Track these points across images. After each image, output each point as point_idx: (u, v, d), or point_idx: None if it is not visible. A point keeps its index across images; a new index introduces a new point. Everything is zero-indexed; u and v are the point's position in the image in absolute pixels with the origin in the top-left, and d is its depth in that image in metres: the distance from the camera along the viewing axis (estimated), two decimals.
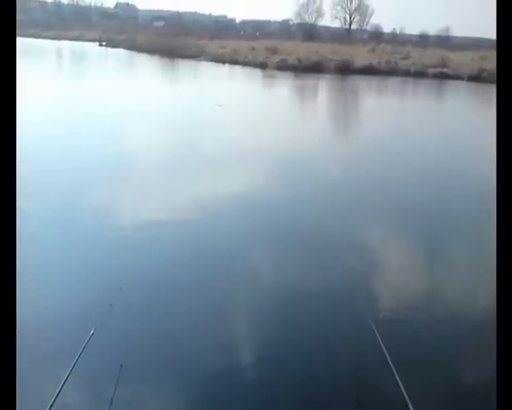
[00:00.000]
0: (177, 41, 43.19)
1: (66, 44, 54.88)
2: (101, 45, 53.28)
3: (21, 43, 52.60)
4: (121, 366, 3.80)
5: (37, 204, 7.16)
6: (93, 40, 57.67)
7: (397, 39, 60.33)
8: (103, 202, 7.56)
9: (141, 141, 12.00)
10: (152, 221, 6.88)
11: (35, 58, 37.44)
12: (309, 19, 70.44)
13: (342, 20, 71.37)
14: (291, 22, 77.96)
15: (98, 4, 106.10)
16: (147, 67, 35.29)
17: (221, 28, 75.44)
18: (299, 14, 71.44)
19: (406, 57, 37.90)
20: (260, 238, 6.63)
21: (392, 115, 19.02)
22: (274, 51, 37.59)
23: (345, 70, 33.12)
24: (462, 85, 30.72)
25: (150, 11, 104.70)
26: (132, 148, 11.25)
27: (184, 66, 35.60)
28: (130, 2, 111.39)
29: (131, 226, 6.69)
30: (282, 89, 26.32)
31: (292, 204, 8.04)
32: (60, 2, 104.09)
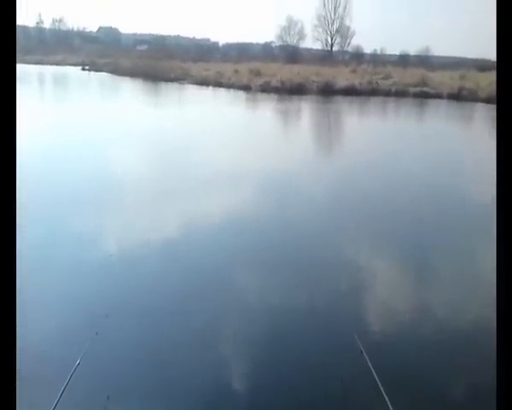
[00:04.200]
0: (160, 64, 43.41)
1: (48, 69, 54.79)
2: (83, 69, 53.30)
3: None
4: (108, 397, 3.73)
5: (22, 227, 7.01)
6: (76, 64, 57.78)
7: (378, 60, 61.39)
8: (88, 228, 7.50)
9: (125, 165, 11.91)
10: (137, 245, 6.85)
11: (17, 83, 37.24)
12: (291, 41, 71.48)
13: (324, 42, 72.47)
14: (273, 45, 79.01)
15: (80, 28, 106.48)
16: (130, 90, 35.31)
17: (204, 51, 76.12)
18: (280, 37, 72.46)
19: (387, 77, 38.52)
20: (247, 259, 6.68)
21: (375, 135, 19.22)
22: (257, 74, 37.93)
23: (327, 91, 33.51)
24: (442, 104, 31.26)
25: (133, 35, 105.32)
26: (117, 172, 11.17)
27: (168, 89, 35.70)
28: (112, 26, 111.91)
29: (117, 251, 6.66)
30: (266, 111, 26.49)
31: (278, 224, 8.09)
32: (41, 26, 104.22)
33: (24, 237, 6.79)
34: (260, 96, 31.89)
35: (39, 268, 6.03)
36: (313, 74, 37.66)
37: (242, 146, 15.25)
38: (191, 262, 6.43)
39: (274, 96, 31.62)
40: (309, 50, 72.99)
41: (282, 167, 12.50)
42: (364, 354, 3.67)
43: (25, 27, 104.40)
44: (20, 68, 53.33)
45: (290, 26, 71.44)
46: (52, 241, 6.98)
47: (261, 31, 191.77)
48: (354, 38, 73.87)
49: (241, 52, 74.41)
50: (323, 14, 70.99)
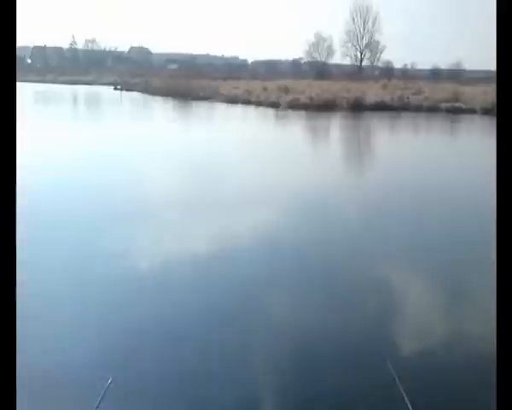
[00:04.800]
0: (190, 83, 44.00)
1: (82, 89, 56.25)
2: (116, 89, 54.43)
3: (39, 88, 54.07)
4: None
5: (55, 241, 7.36)
6: (108, 84, 59.03)
7: (408, 74, 60.81)
8: (120, 243, 7.57)
9: (156, 182, 12.00)
10: (168, 262, 6.86)
11: (52, 103, 38.32)
12: (320, 57, 71.59)
13: (353, 58, 72.36)
14: (302, 61, 79.28)
15: (113, 49, 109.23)
16: (161, 109, 35.82)
17: (233, 69, 76.93)
18: (309, 53, 72.70)
19: (418, 92, 38.01)
20: (277, 278, 6.55)
21: (407, 152, 18.87)
22: (286, 90, 38.00)
23: (357, 107, 33.26)
24: (475, 119, 30.59)
25: (164, 54, 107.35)
26: (148, 189, 11.25)
27: (198, 107, 36.08)
28: (143, 46, 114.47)
29: (148, 268, 6.66)
30: (295, 128, 26.42)
31: (308, 243, 7.96)
32: (75, 47, 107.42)
33: (59, 250, 7.14)
34: (289, 112, 31.88)
35: (74, 282, 6.08)
36: (342, 90, 37.49)
37: (272, 163, 15.16)
38: (220, 281, 6.34)
39: (303, 113, 31.56)
40: (338, 66, 72.98)
41: (313, 185, 12.34)
42: (397, 380, 3.51)
43: (59, 48, 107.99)
44: (55, 88, 54.97)
45: (319, 42, 71.70)
46: (85, 255, 7.04)
47: (289, 47, 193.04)
48: (384, 52, 73.50)
49: (270, 69, 75.01)
50: (352, 29, 71.06)
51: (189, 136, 21.83)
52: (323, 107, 33.20)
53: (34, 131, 20.75)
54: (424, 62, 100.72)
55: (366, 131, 26.54)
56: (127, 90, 52.45)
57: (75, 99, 45.00)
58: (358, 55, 71.98)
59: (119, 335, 5.03)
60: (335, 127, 28.70)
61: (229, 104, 37.23)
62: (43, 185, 11.07)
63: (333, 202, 10.91)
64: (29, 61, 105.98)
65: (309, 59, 73.77)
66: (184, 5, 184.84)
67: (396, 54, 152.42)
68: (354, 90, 37.85)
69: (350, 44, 71.63)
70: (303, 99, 34.67)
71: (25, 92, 49.41)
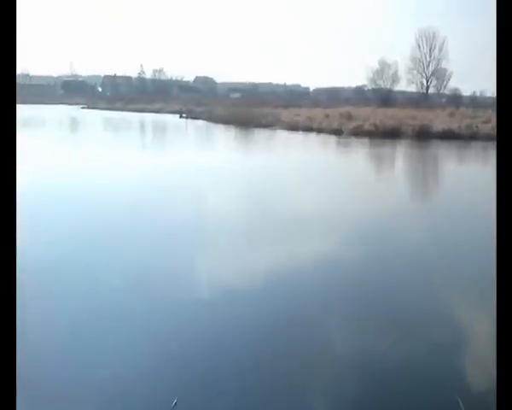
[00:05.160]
0: (252, 111, 44.49)
1: (149, 117, 58.32)
2: (181, 117, 55.96)
3: (108, 116, 56.60)
4: None
5: (119, 261, 7.61)
6: (174, 112, 60.83)
7: (477, 102, 58.64)
8: (180, 267, 7.67)
9: (217, 208, 11.98)
10: (228, 288, 6.83)
11: (121, 131, 39.85)
12: (384, 84, 70.56)
13: (419, 85, 70.75)
14: (365, 88, 78.53)
15: (179, 78, 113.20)
16: (224, 136, 36.34)
17: (295, 97, 77.36)
18: (373, 80, 71.85)
19: (488, 121, 36.32)
20: (338, 306, 6.39)
21: (476, 183, 17.85)
22: (349, 117, 37.53)
23: (423, 135, 32.22)
24: None
25: (227, 83, 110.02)
26: (209, 215, 11.30)
27: (260, 134, 36.30)
28: (208, 76, 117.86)
29: (208, 292, 6.67)
30: (358, 156, 25.85)
31: (370, 272, 7.76)
32: (143, 77, 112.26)
33: (121, 272, 7.17)
34: (352, 140, 31.35)
35: (134, 305, 6.10)
36: (408, 118, 36.54)
37: (333, 191, 14.78)
38: (278, 308, 6.24)
39: (366, 141, 30.93)
40: (403, 93, 71.64)
41: (375, 214, 11.90)
42: None
43: (128, 77, 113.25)
44: (124, 116, 57.31)
45: (383, 68, 70.77)
46: (147, 278, 7.10)
47: (353, 74, 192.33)
48: (451, 80, 71.39)
49: (332, 96, 74.78)
50: (418, 56, 69.70)
51: (251, 163, 21.84)
52: (388, 135, 32.42)
53: (102, 157, 21.49)
54: (494, 90, 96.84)
55: (433, 160, 25.55)
56: (192, 118, 53.77)
57: (142, 127, 46.64)
58: (424, 82, 70.38)
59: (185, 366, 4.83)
60: (400, 156, 27.85)
61: (291, 131, 37.21)
62: (112, 208, 11.28)
63: (396, 231, 10.52)
64: (100, 89, 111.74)
65: (373, 86, 72.93)
66: (248, 36, 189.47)
67: (464, 81, 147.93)
68: (420, 117, 36.79)
69: (415, 72, 70.20)
70: (367, 126, 34.06)
71: (95, 119, 51.89)
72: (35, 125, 42.50)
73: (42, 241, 8.61)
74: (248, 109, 45.22)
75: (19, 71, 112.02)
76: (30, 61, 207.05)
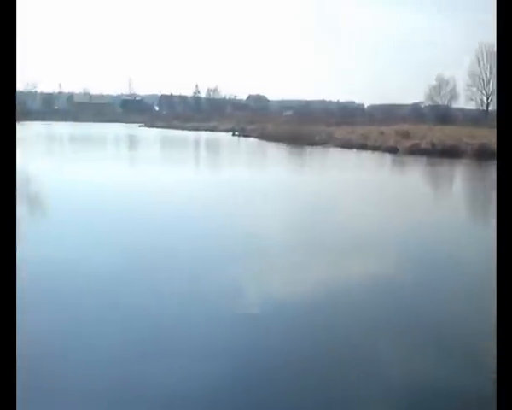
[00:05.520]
0: (305, 128, 44.31)
1: (204, 134, 59.43)
2: (234, 135, 56.64)
3: (165, 134, 58.09)
4: None
5: (167, 276, 7.69)
6: (227, 130, 61.67)
7: None
8: (229, 282, 7.73)
9: (266, 226, 11.87)
10: (277, 303, 6.81)
11: (177, 148, 40.73)
12: (442, 101, 68.66)
13: (478, 102, 68.28)
14: (422, 105, 76.72)
15: (232, 97, 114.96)
16: (275, 154, 36.35)
17: (349, 114, 76.61)
18: (430, 97, 70.09)
19: None
20: (390, 327, 6.22)
21: None
22: (405, 135, 36.62)
23: (483, 155, 30.89)
24: None
25: (280, 101, 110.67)
26: (260, 231, 11.23)
27: (312, 152, 36.06)
28: (260, 94, 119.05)
29: (257, 308, 6.62)
30: (414, 175, 25.10)
31: (425, 295, 7.49)
32: (198, 96, 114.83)
33: (168, 287, 7.19)
34: (408, 159, 30.53)
35: (181, 320, 6.13)
36: (467, 136, 35.22)
37: (388, 211, 14.31)
38: (328, 327, 6.13)
39: (423, 160, 30.03)
40: (462, 111, 69.37)
41: (432, 236, 11.39)
42: None
43: (184, 97, 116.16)
44: (180, 134, 58.64)
45: (441, 85, 68.93)
46: (194, 293, 7.11)
47: (409, 91, 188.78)
48: None
49: (388, 113, 73.44)
50: (478, 72, 67.32)
51: (303, 181, 21.64)
52: (446, 153, 31.36)
53: (159, 174, 21.95)
54: None
55: (493, 181, 24.39)
56: (244, 136, 54.30)
57: (197, 145, 47.53)
58: (484, 99, 67.80)
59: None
60: (459, 176, 26.83)
61: (344, 149, 36.73)
62: (165, 223, 11.40)
63: (454, 254, 10.10)
64: (157, 108, 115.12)
65: (430, 103, 71.14)
66: (301, 53, 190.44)
67: None
68: (480, 136, 35.36)
69: (475, 88, 67.79)
70: (423, 145, 33.10)
71: (152, 138, 53.37)
72: (95, 143, 44.20)
73: (98, 250, 8.78)
74: (301, 127, 45.06)
75: (80, 90, 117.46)
76: (90, 80, 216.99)
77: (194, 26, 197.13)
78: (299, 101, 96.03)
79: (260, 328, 6.01)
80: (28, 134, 39.46)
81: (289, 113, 77.60)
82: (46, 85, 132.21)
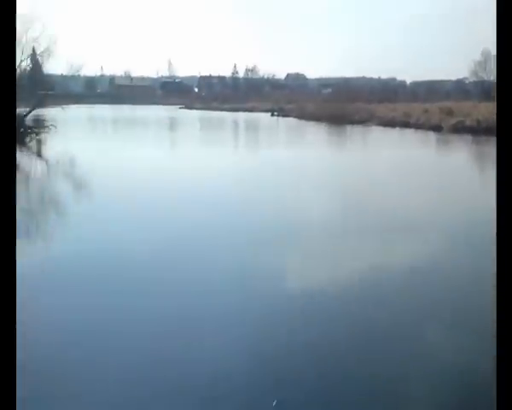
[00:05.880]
0: (345, 107, 43.59)
1: (242, 115, 59.37)
2: (273, 115, 56.32)
3: (204, 115, 58.40)
4: None
5: (214, 258, 7.57)
6: (265, 110, 61.37)
7: None
8: (271, 265, 7.66)
9: (310, 206, 11.74)
10: (317, 290, 6.63)
11: (215, 130, 40.88)
12: (487, 76, 65.95)
13: None
14: (467, 81, 74.00)
15: (270, 76, 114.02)
16: (315, 134, 35.95)
17: (390, 91, 74.73)
18: (475, 73, 67.41)
19: None
20: (438, 316, 5.96)
21: None
22: (449, 113, 35.49)
23: None
24: None
25: (318, 79, 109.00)
26: (302, 212, 11.08)
27: (353, 131, 35.46)
28: (299, 72, 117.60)
29: (299, 293, 6.55)
30: (459, 154, 24.31)
31: (468, 280, 7.15)
32: (236, 76, 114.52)
33: (216, 273, 7.20)
34: (453, 137, 29.59)
35: (229, 307, 6.06)
36: None
37: (433, 192, 13.90)
38: (372, 316, 5.90)
39: (468, 138, 29.04)
40: None
41: (481, 217, 10.96)
42: None
43: (222, 77, 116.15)
44: (218, 115, 58.79)
45: (486, 60, 66.07)
46: (241, 277, 7.11)
47: (453, 67, 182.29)
48: None
49: (431, 90, 71.24)
50: None
51: (343, 160, 21.32)
52: (492, 131, 30.17)
53: (199, 156, 22.10)
54: None
55: None
56: (283, 116, 53.94)
57: (236, 125, 47.53)
58: None
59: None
60: None
61: (386, 128, 35.94)
62: (205, 205, 11.47)
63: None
64: (196, 89, 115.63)
65: (474, 79, 68.46)
66: (338, 29, 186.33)
67: None
68: None
69: None
70: (468, 122, 31.99)
71: (192, 119, 53.74)
72: (136, 125, 44.89)
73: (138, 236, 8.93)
74: (340, 105, 44.35)
75: (122, 72, 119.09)
76: (131, 62, 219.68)
77: (232, 5, 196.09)
78: (338, 78, 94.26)
79: (300, 314, 5.94)
80: (71, 117, 40.39)
81: (328, 91, 76.35)
82: (89, 69, 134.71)
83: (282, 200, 12.79)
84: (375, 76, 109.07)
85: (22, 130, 29.83)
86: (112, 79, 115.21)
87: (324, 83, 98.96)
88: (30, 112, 30.59)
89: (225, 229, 9.74)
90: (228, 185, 14.82)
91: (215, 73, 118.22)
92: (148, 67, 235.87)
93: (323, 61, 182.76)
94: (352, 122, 39.48)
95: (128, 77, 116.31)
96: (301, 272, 7.48)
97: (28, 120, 31.17)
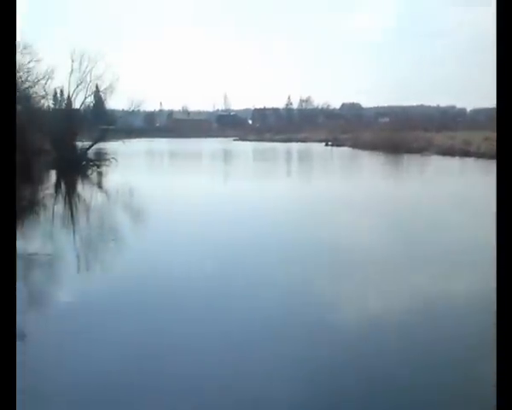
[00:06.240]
0: (402, 136, 42.73)
1: (295, 146, 59.53)
2: (327, 145, 56.11)
3: (258, 147, 58.99)
4: None
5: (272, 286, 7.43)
6: (319, 141, 61.27)
7: None
8: (332, 294, 7.57)
9: (366, 236, 11.49)
10: (373, 320, 6.47)
11: (268, 161, 41.11)
12: None
13: None
14: None
15: (325, 106, 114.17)
16: (370, 164, 35.36)
17: (449, 119, 72.82)
18: None
19: None
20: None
21: None
22: None
23: None
24: None
25: (375, 108, 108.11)
26: (353, 243, 10.82)
27: (410, 160, 34.59)
28: (355, 102, 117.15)
29: (354, 323, 6.40)
30: None
31: None
32: (290, 107, 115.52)
33: (272, 302, 7.09)
34: None
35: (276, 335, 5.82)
36: None
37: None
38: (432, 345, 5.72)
39: None
40: None
41: None
42: None
43: (276, 109, 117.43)
44: (272, 146, 59.24)
45: None
46: (291, 307, 6.95)
47: None
48: None
49: (493, 117, 68.71)
50: None
51: (400, 190, 20.71)
52: None
53: (252, 187, 22.18)
54: None
55: None
56: (337, 145, 53.61)
57: (289, 156, 47.66)
58: None
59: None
60: None
61: (445, 157, 34.83)
62: (259, 233, 11.38)
63: None
64: (250, 121, 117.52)
65: None
66: (396, 57, 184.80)
67: None
68: None
69: None
70: None
71: (245, 150, 54.42)
72: (192, 158, 45.95)
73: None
74: (397, 134, 43.53)
75: (179, 107, 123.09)
76: (189, 97, 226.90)
77: (285, 37, 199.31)
78: (395, 107, 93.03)
79: (358, 342, 5.74)
80: (131, 151, 41.90)
81: (385, 120, 75.40)
82: (148, 104, 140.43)
83: (337, 229, 12.56)
84: (434, 104, 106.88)
85: (84, 162, 31.18)
86: (170, 113, 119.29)
87: (381, 112, 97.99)
88: (92, 145, 31.97)
89: (279, 258, 9.69)
90: (281, 215, 14.70)
91: (269, 105, 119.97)
92: (205, 102, 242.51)
93: (380, 89, 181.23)
94: (410, 151, 38.57)
95: (185, 111, 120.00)
96: (358, 302, 7.29)
97: (90, 154, 32.56)
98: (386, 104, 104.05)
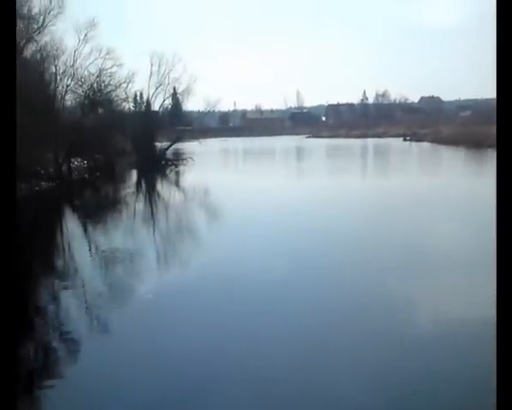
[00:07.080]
0: (484, 130, 40.41)
1: (371, 142, 58.19)
2: (405, 140, 54.41)
3: (331, 143, 58.26)
4: None
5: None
6: (397, 136, 59.48)
7: None
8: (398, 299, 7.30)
9: (439, 237, 11.01)
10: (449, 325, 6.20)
11: (343, 157, 40.52)
12: None
13: None
14: None
15: (402, 100, 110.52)
16: (452, 159, 33.85)
17: None
18: None
19: None
20: None
21: None
22: None
23: None
24: None
25: (456, 101, 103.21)
26: (427, 243, 10.56)
27: (493, 155, 32.72)
28: (434, 95, 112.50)
29: (430, 328, 6.22)
30: None
31: None
32: (366, 102, 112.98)
33: (343, 302, 7.02)
34: None
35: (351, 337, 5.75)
36: None
37: None
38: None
39: None
40: None
41: None
42: None
43: (351, 105, 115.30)
44: (346, 142, 58.30)
45: None
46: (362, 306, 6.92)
47: None
48: None
49: None
50: None
51: (483, 187, 19.63)
52: None
53: (325, 184, 21.98)
54: None
55: None
56: (416, 140, 51.82)
57: (364, 152, 46.70)
58: None
59: None
60: None
61: None
62: (331, 230, 11.28)
63: None
64: (323, 118, 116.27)
65: None
66: (476, 47, 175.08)
67: None
68: None
69: None
70: None
71: (318, 147, 53.97)
72: (266, 156, 46.28)
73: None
74: (480, 128, 41.23)
75: (253, 106, 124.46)
76: (262, 96, 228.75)
77: (358, 30, 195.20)
78: (477, 100, 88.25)
79: (430, 349, 5.58)
80: (207, 150, 42.90)
81: (467, 113, 71.80)
82: (223, 105, 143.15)
83: (417, 227, 12.20)
84: None
85: (163, 162, 32.39)
86: (244, 113, 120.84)
87: (462, 105, 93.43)
88: (170, 146, 33.15)
89: (354, 255, 9.61)
90: (355, 212, 14.48)
91: (343, 101, 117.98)
92: (277, 100, 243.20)
93: (461, 81, 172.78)
94: (493, 146, 36.43)
95: (259, 110, 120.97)
96: (429, 304, 7.09)
97: (169, 154, 33.75)
98: (467, 97, 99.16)
